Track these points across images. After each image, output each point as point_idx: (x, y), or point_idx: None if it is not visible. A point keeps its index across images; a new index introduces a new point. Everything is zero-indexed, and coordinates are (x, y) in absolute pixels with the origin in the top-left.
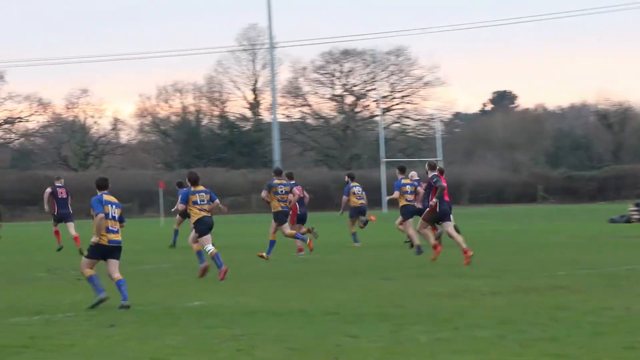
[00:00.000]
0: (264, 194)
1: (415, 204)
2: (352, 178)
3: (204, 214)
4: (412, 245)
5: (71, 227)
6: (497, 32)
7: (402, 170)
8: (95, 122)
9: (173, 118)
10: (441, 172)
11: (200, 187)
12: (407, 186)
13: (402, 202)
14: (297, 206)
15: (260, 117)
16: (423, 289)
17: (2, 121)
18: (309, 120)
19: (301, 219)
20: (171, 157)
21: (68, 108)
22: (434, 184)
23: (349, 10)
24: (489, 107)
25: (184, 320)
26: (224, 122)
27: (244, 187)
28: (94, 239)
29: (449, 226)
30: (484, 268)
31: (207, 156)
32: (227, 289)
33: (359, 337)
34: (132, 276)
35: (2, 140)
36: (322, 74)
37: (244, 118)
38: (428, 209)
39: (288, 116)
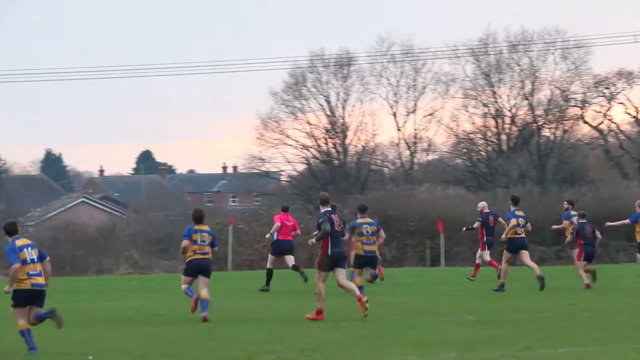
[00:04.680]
0: (346, 237)
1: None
2: (515, 202)
3: (198, 256)
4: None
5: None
6: None
7: (516, 201)
8: None
9: None
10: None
11: (204, 227)
12: (520, 218)
13: (512, 235)
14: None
15: None
16: None
17: None
18: None
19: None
20: None
21: None
22: (320, 224)
23: None
24: None
25: None
26: None
27: None
28: (7, 288)
29: (341, 273)
30: None
31: None
32: None
33: None
34: None
35: None
36: None
37: None
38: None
39: None
